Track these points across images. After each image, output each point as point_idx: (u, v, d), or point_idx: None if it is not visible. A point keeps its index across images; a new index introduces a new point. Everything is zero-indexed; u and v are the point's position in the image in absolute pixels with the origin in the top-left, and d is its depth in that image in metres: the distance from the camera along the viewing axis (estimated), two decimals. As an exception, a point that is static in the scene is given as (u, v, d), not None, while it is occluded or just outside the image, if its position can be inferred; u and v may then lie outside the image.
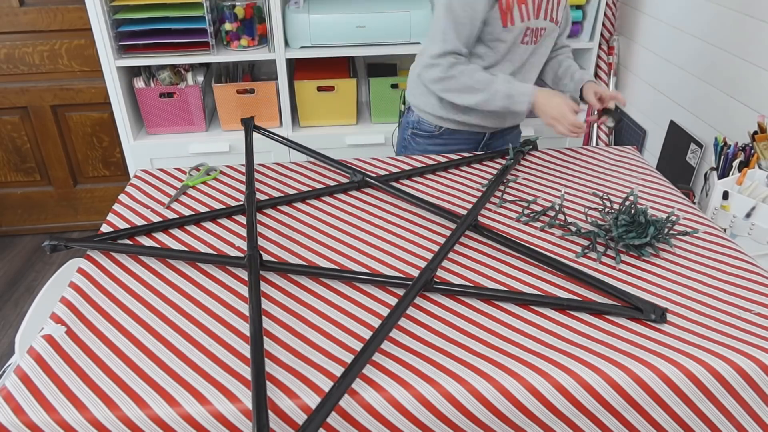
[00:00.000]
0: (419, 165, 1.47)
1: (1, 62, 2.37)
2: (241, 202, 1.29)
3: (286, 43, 2.15)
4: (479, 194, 1.35)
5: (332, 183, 1.39)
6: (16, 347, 1.11)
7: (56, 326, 0.95)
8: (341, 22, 2.09)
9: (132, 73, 2.23)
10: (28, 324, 1.12)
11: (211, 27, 2.08)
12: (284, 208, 1.30)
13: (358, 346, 0.92)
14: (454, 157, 1.50)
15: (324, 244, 1.18)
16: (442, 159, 1.50)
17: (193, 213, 1.27)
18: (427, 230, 1.22)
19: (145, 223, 1.24)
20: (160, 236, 1.20)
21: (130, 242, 1.18)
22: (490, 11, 1.35)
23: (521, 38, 1.41)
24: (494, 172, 1.46)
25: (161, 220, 1.23)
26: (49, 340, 0.93)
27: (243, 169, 1.46)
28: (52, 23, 2.32)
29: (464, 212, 1.26)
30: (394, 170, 1.45)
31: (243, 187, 1.38)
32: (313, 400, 0.83)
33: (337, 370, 0.88)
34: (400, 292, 1.05)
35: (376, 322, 0.97)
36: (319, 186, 1.38)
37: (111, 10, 2.05)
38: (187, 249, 1.16)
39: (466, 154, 1.52)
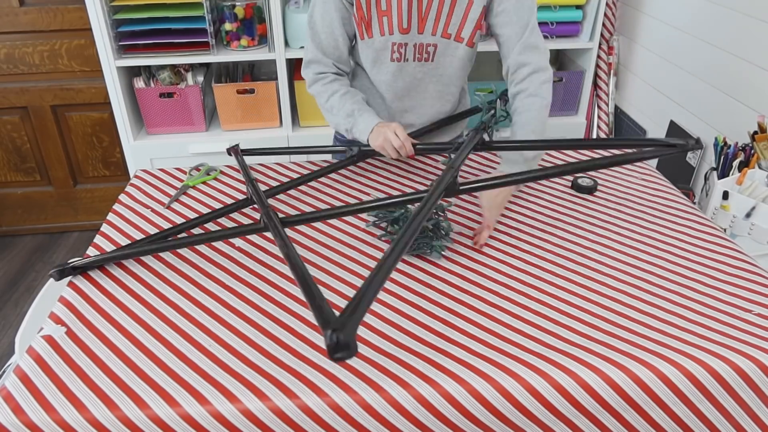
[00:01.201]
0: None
1: (1, 62, 2.37)
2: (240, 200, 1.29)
3: (286, 43, 2.15)
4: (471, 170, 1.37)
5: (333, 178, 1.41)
6: (16, 347, 1.11)
7: (56, 326, 0.95)
8: (341, 22, 2.09)
9: (132, 73, 2.23)
10: (28, 324, 1.12)
11: (211, 27, 2.08)
12: (291, 192, 1.33)
13: (390, 365, 0.92)
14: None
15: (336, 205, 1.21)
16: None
17: (196, 215, 1.27)
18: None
19: (147, 225, 1.24)
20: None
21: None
22: (351, 21, 1.30)
23: (389, 55, 1.31)
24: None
25: (158, 231, 1.19)
26: (49, 340, 0.93)
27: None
28: (52, 23, 2.32)
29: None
30: (375, 171, 1.45)
31: (244, 187, 1.38)
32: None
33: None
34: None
35: (399, 336, 0.97)
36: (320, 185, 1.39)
37: (111, 10, 2.05)
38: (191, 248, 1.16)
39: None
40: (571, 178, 1.42)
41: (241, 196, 1.34)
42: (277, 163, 1.49)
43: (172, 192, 1.36)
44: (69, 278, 1.08)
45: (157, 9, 2.06)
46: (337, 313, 0.70)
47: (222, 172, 1.44)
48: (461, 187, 1.00)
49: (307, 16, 1.33)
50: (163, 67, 2.21)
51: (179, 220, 1.25)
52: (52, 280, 1.22)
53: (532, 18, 1.28)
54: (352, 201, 1.32)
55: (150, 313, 0.99)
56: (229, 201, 1.33)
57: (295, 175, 1.43)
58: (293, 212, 1.28)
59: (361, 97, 1.34)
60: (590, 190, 1.36)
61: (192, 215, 1.27)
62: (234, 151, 1.47)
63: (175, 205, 1.31)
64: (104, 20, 2.00)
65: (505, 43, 1.30)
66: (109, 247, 1.17)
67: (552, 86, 1.31)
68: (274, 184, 1.39)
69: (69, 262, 1.09)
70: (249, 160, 1.46)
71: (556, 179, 1.42)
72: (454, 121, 1.49)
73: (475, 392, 0.85)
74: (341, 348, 0.67)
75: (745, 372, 0.90)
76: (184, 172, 1.44)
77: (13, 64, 2.38)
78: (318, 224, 1.23)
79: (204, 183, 1.40)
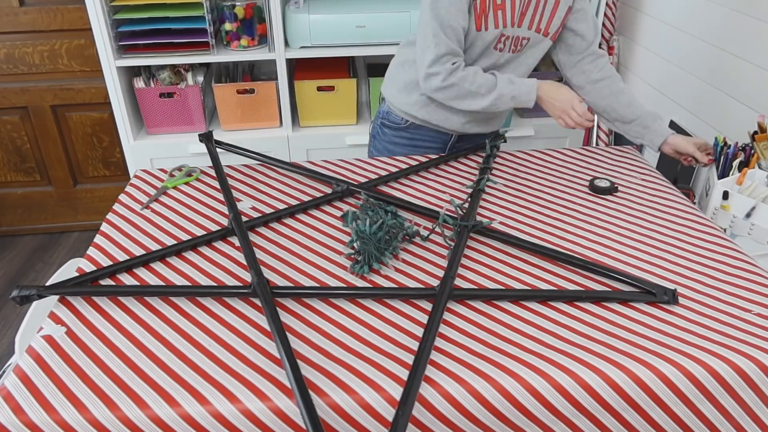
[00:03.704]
0: (402, 166, 1.47)
1: (1, 62, 2.37)
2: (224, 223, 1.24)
3: (286, 43, 2.15)
4: (464, 191, 1.35)
5: (316, 187, 1.38)
6: (16, 347, 1.11)
7: (56, 326, 0.95)
8: (341, 22, 2.09)
9: (132, 73, 2.23)
10: (28, 324, 1.12)
11: (211, 27, 2.08)
12: (273, 225, 1.24)
13: (390, 365, 0.89)
14: (423, 159, 1.50)
15: (324, 256, 1.16)
16: (414, 162, 1.50)
17: (175, 220, 1.27)
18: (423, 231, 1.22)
19: (146, 224, 1.24)
20: (147, 267, 1.11)
21: (112, 282, 1.07)
22: (470, 12, 1.33)
23: (494, 44, 1.38)
24: (475, 167, 1.47)
25: (144, 252, 1.14)
26: (49, 339, 0.93)
27: (234, 172, 1.45)
28: (52, 23, 2.32)
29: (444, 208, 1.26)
30: (372, 175, 1.43)
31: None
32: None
33: (373, 397, 0.85)
34: (407, 300, 1.05)
35: (400, 336, 0.95)
36: (305, 192, 1.36)
37: (111, 10, 2.05)
38: (171, 279, 1.10)
39: (433, 156, 1.52)
40: (589, 178, 1.42)
41: (218, 200, 1.32)
42: (260, 163, 1.47)
43: (172, 192, 1.36)
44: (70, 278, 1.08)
45: (157, 9, 2.06)
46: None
47: (203, 172, 1.44)
48: (456, 292, 1.04)
49: (430, 8, 1.31)
50: (163, 67, 2.21)
51: (162, 223, 1.24)
52: (52, 280, 1.22)
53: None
54: (339, 236, 1.31)
55: (150, 312, 0.99)
56: (212, 203, 1.32)
57: (281, 177, 1.43)
58: (274, 248, 1.20)
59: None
60: (608, 191, 1.36)
61: (173, 217, 1.27)
62: (207, 139, 1.46)
63: (162, 209, 1.29)
64: (104, 20, 2.00)
65: (582, 37, 1.46)
66: (109, 248, 1.16)
67: None
68: (260, 187, 1.39)
69: (32, 286, 1.01)
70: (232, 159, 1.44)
71: (558, 178, 1.42)
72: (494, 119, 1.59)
73: (474, 392, 0.85)
74: None
75: (745, 372, 0.90)
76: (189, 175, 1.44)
77: (13, 64, 2.38)
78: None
79: (187, 184, 1.39)
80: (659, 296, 1.03)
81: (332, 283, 1.07)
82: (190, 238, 1.18)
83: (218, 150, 1.47)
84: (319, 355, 0.91)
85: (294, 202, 1.31)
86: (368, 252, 1.09)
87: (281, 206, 1.29)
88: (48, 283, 1.21)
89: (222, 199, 1.33)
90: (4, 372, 1.12)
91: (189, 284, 1.07)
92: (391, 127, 1.59)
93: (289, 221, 1.26)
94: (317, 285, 1.07)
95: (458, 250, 1.12)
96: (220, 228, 1.21)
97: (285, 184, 1.39)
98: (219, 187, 1.37)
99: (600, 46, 2.30)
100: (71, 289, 1.03)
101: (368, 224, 1.13)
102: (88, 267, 1.11)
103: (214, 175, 1.42)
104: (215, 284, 1.07)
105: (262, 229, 1.23)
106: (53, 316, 0.98)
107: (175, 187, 1.37)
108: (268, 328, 0.96)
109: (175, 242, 1.17)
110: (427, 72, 1.35)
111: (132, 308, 1.00)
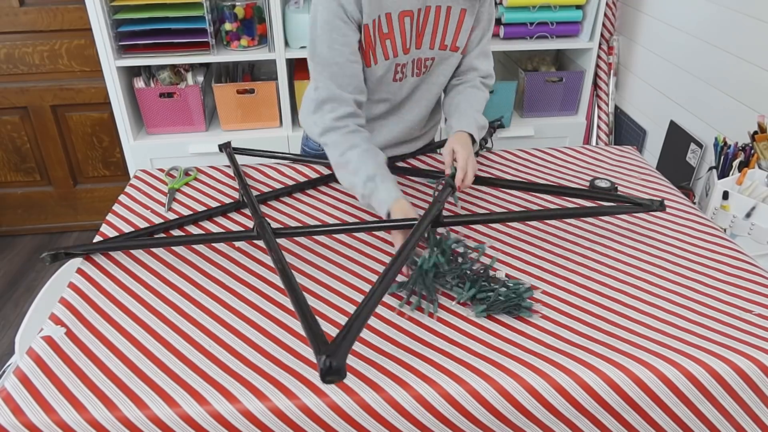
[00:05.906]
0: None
1: (1, 62, 2.37)
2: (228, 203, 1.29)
3: (286, 43, 2.15)
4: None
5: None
6: (16, 347, 1.11)
7: (56, 327, 0.95)
8: (341, 22, 2.09)
9: (132, 73, 2.23)
10: (28, 324, 1.12)
11: (211, 27, 2.08)
12: (284, 199, 1.33)
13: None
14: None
15: (325, 212, 1.25)
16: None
17: (191, 213, 1.28)
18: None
19: (146, 225, 1.24)
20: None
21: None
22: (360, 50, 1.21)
23: (391, 76, 1.27)
24: None
25: (162, 221, 1.23)
26: (49, 341, 0.93)
27: (228, 170, 1.45)
28: (52, 23, 2.32)
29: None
30: None
31: (222, 188, 1.38)
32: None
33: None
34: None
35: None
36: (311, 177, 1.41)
37: (111, 10, 2.05)
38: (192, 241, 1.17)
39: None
40: (589, 178, 1.42)
41: (221, 196, 1.33)
42: (262, 164, 1.47)
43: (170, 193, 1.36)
44: (70, 279, 1.08)
45: (157, 9, 2.06)
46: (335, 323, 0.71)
47: (200, 171, 1.44)
48: (445, 220, 1.09)
49: (309, 53, 1.21)
50: (163, 67, 2.21)
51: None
52: (51, 280, 1.23)
53: (492, 28, 1.36)
54: (343, 206, 1.32)
55: (150, 313, 0.99)
56: (209, 202, 1.32)
57: (279, 177, 1.43)
58: (283, 218, 1.26)
59: (383, 159, 1.19)
60: (608, 191, 1.35)
61: (172, 217, 1.27)
62: (226, 147, 1.49)
63: (156, 207, 1.30)
64: (104, 20, 2.00)
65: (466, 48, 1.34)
66: (108, 248, 1.17)
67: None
68: (260, 186, 1.39)
69: (62, 247, 1.15)
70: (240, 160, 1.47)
71: (558, 177, 1.42)
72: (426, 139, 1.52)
73: (475, 392, 0.85)
74: (333, 372, 0.75)
75: (746, 372, 0.89)
76: (187, 174, 1.44)
77: (13, 64, 2.38)
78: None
79: (187, 185, 1.39)
80: (646, 207, 1.13)
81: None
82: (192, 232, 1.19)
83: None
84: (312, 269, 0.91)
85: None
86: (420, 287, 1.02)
87: (287, 208, 1.30)
88: (48, 283, 1.21)
89: (221, 199, 1.33)
90: (3, 372, 1.12)
91: (202, 234, 1.20)
92: (311, 153, 1.49)
93: (298, 195, 1.35)
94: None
95: (442, 198, 1.15)
96: (223, 231, 1.22)
97: (296, 181, 1.39)
98: (215, 186, 1.39)
99: (600, 46, 2.30)
100: (97, 247, 1.14)
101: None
102: (89, 267, 1.11)
103: (212, 174, 1.44)
104: (219, 288, 1.07)
105: (272, 203, 1.32)
106: (53, 317, 0.98)
107: (178, 189, 1.38)
108: (268, 328, 0.96)
109: (172, 238, 1.18)
110: (313, 117, 1.24)
111: (132, 309, 1.00)
